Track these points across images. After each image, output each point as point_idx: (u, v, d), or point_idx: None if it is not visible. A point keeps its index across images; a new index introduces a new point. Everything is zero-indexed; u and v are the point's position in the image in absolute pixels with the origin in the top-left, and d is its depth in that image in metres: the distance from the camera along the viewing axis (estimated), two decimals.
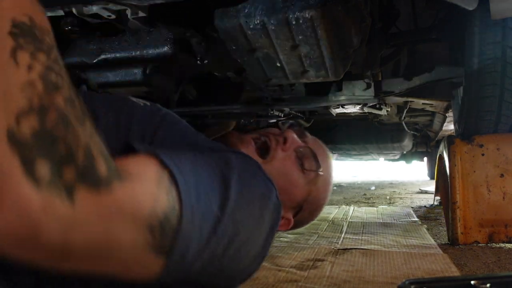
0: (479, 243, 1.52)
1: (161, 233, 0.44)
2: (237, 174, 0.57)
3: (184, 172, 0.49)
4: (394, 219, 2.23)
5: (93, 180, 0.38)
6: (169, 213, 0.45)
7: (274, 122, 2.49)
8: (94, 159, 0.39)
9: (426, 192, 3.86)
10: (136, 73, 1.33)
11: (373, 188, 4.66)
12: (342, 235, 1.78)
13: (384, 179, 6.34)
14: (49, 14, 0.90)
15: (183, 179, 0.48)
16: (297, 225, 0.87)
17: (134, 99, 0.74)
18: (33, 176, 0.34)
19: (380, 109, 2.30)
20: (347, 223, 2.12)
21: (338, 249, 1.52)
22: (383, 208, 2.80)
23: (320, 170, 0.82)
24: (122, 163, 0.44)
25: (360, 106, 2.06)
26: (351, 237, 1.75)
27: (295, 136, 0.83)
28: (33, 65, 0.39)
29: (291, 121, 0.90)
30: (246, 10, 1.02)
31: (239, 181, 0.57)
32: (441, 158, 1.81)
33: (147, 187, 0.44)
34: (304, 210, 0.86)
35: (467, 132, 1.64)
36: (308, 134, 0.90)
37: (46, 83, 0.39)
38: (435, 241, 1.65)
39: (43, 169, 0.35)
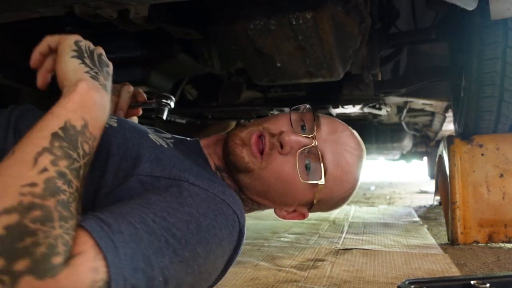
0: (478, 243, 1.52)
1: None
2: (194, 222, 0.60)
3: (119, 246, 0.50)
4: (395, 219, 2.23)
5: (42, 271, 0.44)
6: None
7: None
8: (55, 250, 0.46)
9: (426, 192, 3.86)
10: (136, 73, 1.33)
11: (372, 188, 4.66)
12: (343, 235, 1.78)
13: (384, 179, 6.34)
14: (49, 14, 0.90)
15: (116, 257, 0.50)
16: (319, 210, 0.85)
17: (153, 137, 0.74)
18: None
19: (380, 109, 2.31)
20: (348, 223, 2.12)
21: (339, 249, 1.52)
22: (384, 208, 2.81)
23: (322, 178, 0.75)
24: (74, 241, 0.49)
25: (360, 106, 2.06)
26: (352, 237, 1.75)
27: (294, 138, 0.75)
28: (47, 169, 0.49)
29: (306, 106, 0.82)
30: (247, 11, 1.03)
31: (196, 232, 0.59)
32: (441, 158, 1.81)
33: (85, 272, 0.48)
34: (320, 206, 0.83)
35: (466, 132, 1.64)
36: (322, 122, 0.79)
37: (47, 186, 0.48)
38: (435, 241, 1.65)
39: None
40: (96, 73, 0.64)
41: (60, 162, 0.50)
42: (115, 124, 0.72)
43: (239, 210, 0.70)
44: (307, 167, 0.76)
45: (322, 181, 0.75)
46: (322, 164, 0.75)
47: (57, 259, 0.46)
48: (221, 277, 0.73)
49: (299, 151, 0.75)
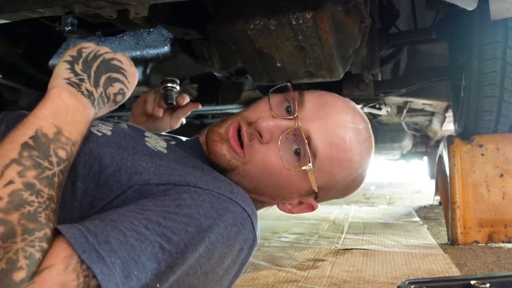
0: (478, 243, 1.52)
1: None
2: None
3: (106, 255, 0.48)
4: (395, 219, 2.23)
5: (5, 285, 0.42)
6: None
7: None
8: (15, 265, 0.43)
9: (426, 192, 3.86)
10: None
11: (372, 188, 4.66)
12: (343, 235, 1.78)
13: (384, 179, 6.34)
14: (49, 14, 0.90)
15: (104, 266, 0.47)
16: (329, 197, 0.78)
17: (150, 144, 0.70)
18: None
19: (380, 109, 2.31)
20: (348, 223, 2.12)
21: (339, 249, 1.52)
22: (384, 208, 2.80)
23: (310, 163, 0.67)
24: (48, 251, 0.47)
25: (360, 106, 2.06)
26: (352, 237, 1.75)
27: (272, 123, 0.68)
28: (13, 181, 0.47)
29: (287, 84, 0.72)
30: (247, 11, 1.02)
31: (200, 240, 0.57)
32: (441, 158, 1.81)
33: (56, 279, 0.45)
34: (328, 193, 0.75)
35: (466, 132, 1.64)
36: (307, 99, 0.72)
37: (11, 199, 0.46)
38: (435, 241, 1.65)
39: None
40: (81, 79, 0.62)
41: (28, 172, 0.49)
42: (109, 133, 0.69)
43: (249, 207, 0.66)
44: (296, 153, 0.69)
45: (309, 167, 0.67)
46: (308, 147, 0.67)
47: (19, 275, 0.43)
48: (235, 279, 0.69)
49: (282, 136, 0.68)
